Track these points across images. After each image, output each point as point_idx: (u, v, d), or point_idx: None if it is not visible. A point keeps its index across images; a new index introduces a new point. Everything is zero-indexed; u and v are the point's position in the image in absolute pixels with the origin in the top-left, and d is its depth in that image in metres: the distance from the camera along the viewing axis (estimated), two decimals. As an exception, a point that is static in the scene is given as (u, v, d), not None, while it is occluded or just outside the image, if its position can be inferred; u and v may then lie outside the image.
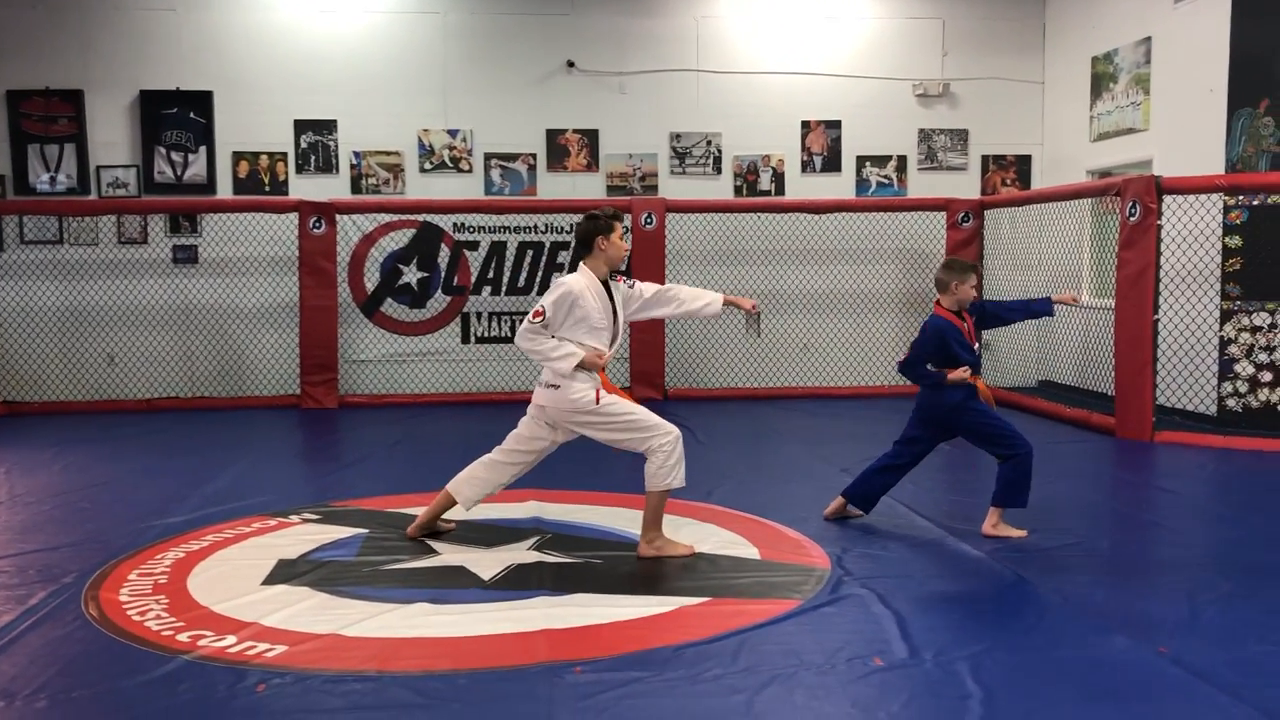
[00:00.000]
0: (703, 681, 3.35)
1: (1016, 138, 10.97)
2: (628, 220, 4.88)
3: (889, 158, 10.86)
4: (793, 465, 7.01)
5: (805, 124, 10.75)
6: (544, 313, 4.73)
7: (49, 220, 10.02)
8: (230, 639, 3.73)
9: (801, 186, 10.71)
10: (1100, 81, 9.91)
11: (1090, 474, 7.07)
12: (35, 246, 10.04)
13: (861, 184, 10.84)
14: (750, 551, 4.85)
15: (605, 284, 4.87)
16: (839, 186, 10.75)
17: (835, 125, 10.77)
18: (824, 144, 10.78)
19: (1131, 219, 7.86)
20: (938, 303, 5.26)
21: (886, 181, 10.87)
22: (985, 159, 10.95)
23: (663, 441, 4.73)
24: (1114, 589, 4.36)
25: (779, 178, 10.76)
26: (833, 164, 10.79)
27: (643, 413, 4.82)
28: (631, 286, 5.00)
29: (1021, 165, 10.99)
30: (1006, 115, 10.93)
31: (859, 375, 10.62)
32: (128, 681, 3.39)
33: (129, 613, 4.04)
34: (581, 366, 4.70)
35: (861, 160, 10.83)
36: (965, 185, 10.83)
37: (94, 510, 5.79)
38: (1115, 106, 9.69)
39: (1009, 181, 10.98)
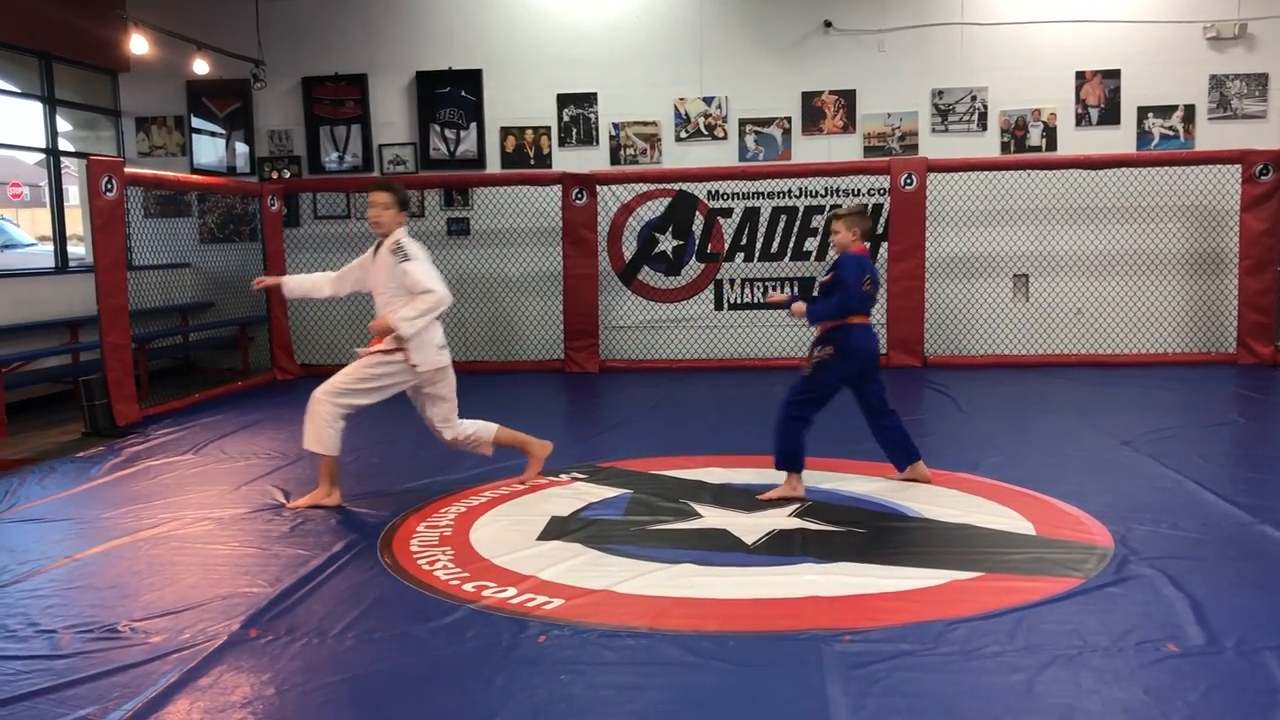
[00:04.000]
0: (979, 658, 3.24)
1: (1326, 79, 9.89)
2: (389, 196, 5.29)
3: (1174, 108, 10.04)
4: (1067, 437, 6.63)
5: (1080, 74, 10.09)
6: None
7: (338, 196, 10.84)
8: (511, 590, 3.94)
9: (1075, 141, 10.07)
10: None
11: None
12: (326, 221, 10.88)
13: (1143, 137, 10.08)
14: (1024, 526, 4.64)
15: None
16: (1118, 140, 10.04)
17: (1114, 75, 10.05)
18: (1101, 95, 10.09)
19: None
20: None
21: (1171, 133, 10.06)
22: (1288, 105, 9.95)
23: None
24: None
25: (1050, 132, 10.16)
26: (1111, 116, 10.09)
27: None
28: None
29: (1332, 110, 9.91)
30: (1314, 55, 9.87)
31: (1139, 342, 9.94)
32: (420, 626, 3.64)
33: (419, 562, 4.33)
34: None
35: (1143, 111, 10.07)
36: (1265, 135, 9.86)
37: (383, 465, 6.23)
38: None
39: (1316, 128, 9.92)
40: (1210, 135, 9.97)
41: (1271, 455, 6.41)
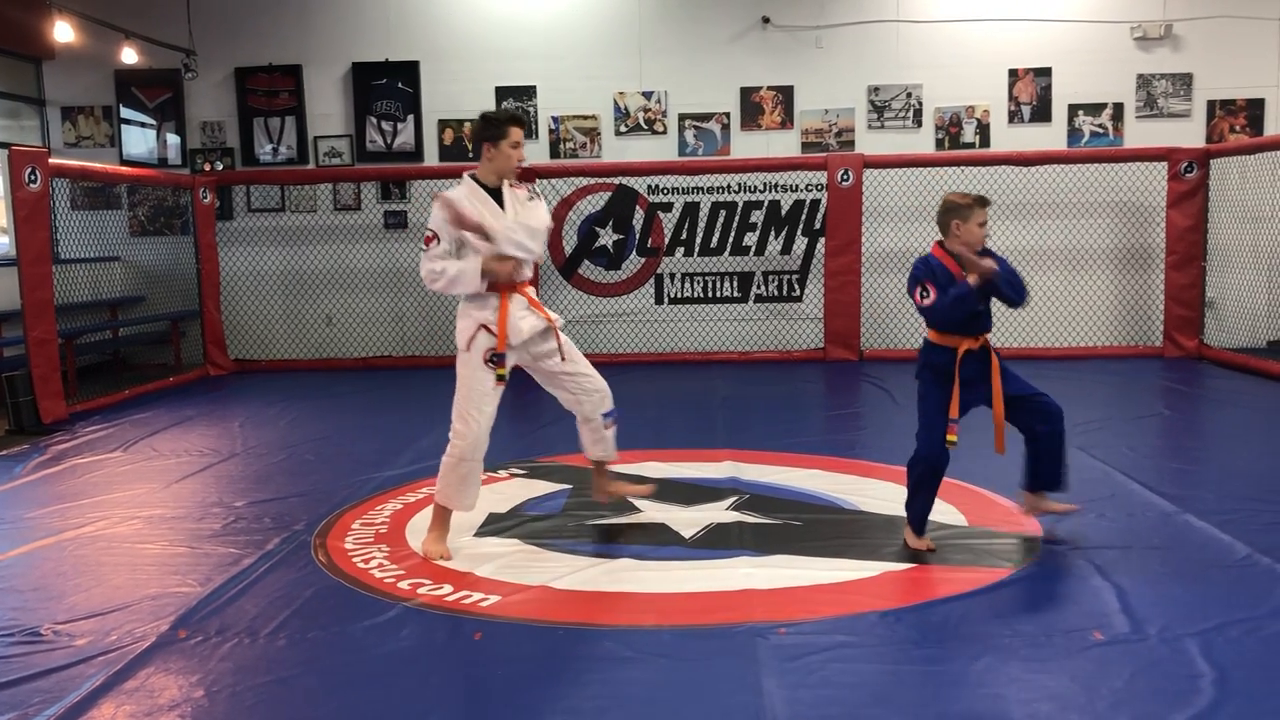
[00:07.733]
0: (912, 648, 3.28)
1: (1247, 80, 10.13)
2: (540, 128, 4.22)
3: (1104, 106, 10.25)
4: (998, 429, 6.74)
5: (1013, 72, 10.25)
6: (434, 237, 4.35)
7: (272, 189, 10.66)
8: (447, 587, 3.91)
9: (1008, 138, 10.24)
10: (1349, 14, 9.03)
11: (1332, 443, 6.51)
12: (260, 214, 10.70)
13: (1074, 134, 10.28)
14: (957, 518, 4.71)
15: (496, 192, 4.39)
16: (1049, 137, 10.23)
17: (1045, 73, 10.23)
18: (1033, 93, 10.27)
19: (1385, 165, 7.16)
20: (938, 243, 4.36)
21: (1101, 131, 10.27)
22: (1211, 104, 10.18)
23: (451, 440, 4.36)
24: (1364, 568, 4.02)
25: (984, 129, 10.32)
26: (1042, 113, 10.27)
27: (466, 388, 4.42)
28: (531, 197, 4.40)
29: (1253, 110, 10.16)
30: (1236, 56, 10.10)
31: (1069, 335, 10.13)
32: (355, 625, 3.60)
33: (354, 560, 4.28)
34: (489, 275, 4.26)
35: (1074, 109, 10.26)
36: (1189, 133, 10.11)
37: (318, 462, 6.15)
38: (1366, 41, 8.81)
39: (1238, 128, 10.18)
40: (1138, 133, 10.19)
41: (1196, 447, 6.57)
